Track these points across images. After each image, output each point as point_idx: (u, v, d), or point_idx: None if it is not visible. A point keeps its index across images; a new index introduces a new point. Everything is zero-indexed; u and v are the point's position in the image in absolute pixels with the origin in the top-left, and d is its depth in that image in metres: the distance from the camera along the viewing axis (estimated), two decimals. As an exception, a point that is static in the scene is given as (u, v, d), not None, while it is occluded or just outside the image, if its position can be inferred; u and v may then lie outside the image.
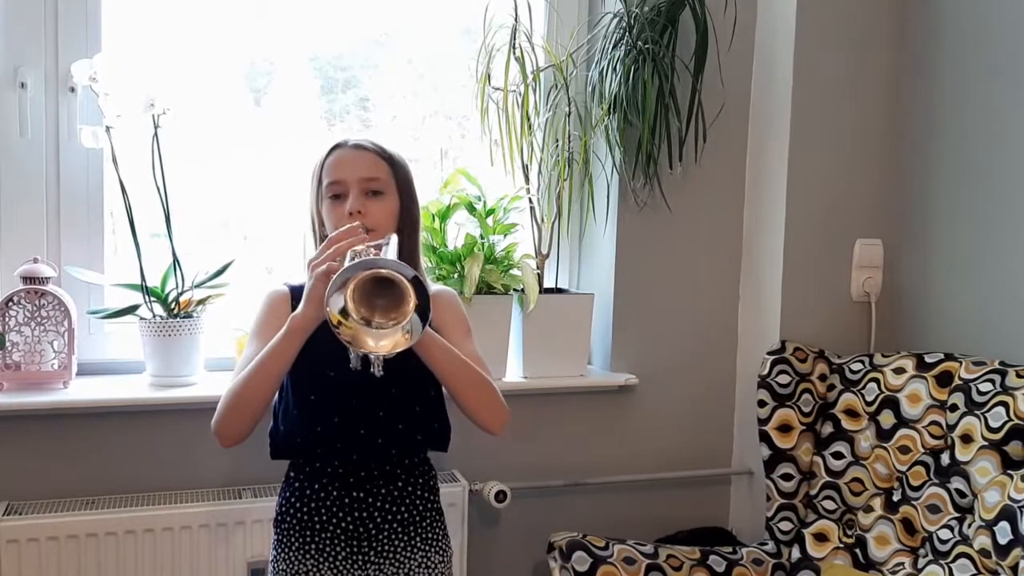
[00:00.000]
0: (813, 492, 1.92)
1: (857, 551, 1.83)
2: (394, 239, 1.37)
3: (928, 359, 1.85)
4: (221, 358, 1.90)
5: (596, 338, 2.13)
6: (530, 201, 2.01)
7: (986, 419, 1.66)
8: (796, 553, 1.90)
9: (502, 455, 1.96)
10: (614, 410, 2.13)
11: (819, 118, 2.08)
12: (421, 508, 1.48)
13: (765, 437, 1.95)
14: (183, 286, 1.79)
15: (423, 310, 1.20)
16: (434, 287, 1.52)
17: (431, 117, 2.26)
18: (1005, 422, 1.63)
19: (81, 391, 1.72)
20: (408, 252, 1.45)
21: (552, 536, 1.81)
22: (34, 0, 1.75)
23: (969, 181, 1.97)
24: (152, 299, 1.77)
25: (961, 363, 1.78)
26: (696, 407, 2.21)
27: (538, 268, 2.01)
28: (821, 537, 1.89)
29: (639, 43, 1.93)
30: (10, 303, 1.70)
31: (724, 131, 2.11)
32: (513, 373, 2.01)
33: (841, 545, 1.86)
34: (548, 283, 2.09)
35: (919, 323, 2.08)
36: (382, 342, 1.21)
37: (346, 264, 1.24)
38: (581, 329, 2.04)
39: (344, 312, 1.20)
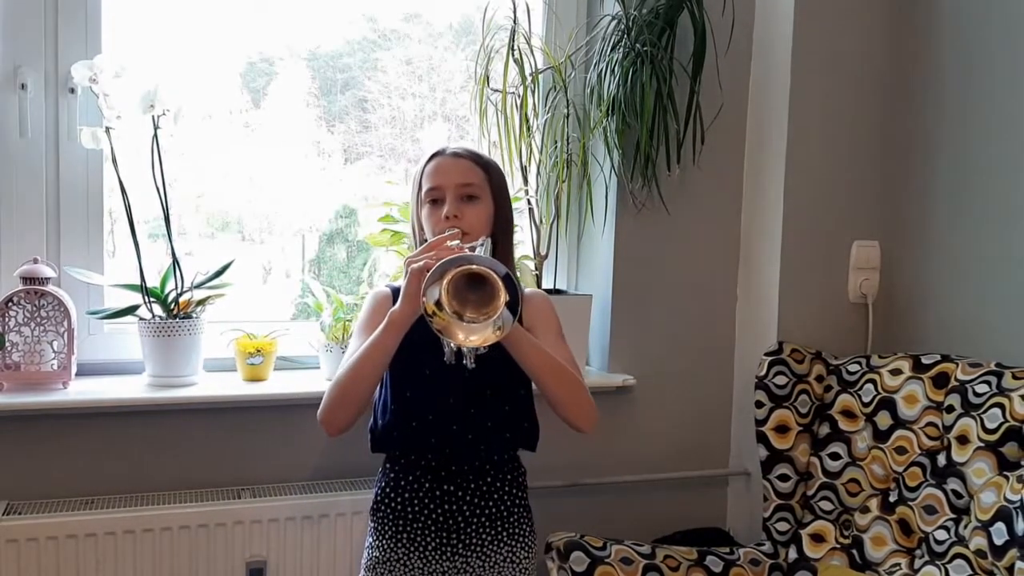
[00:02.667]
0: (810, 493, 1.93)
1: (854, 552, 1.84)
2: (487, 242, 1.45)
3: (925, 360, 1.85)
4: (220, 358, 1.91)
5: (594, 339, 2.14)
6: (529, 202, 2.02)
7: (982, 420, 1.67)
8: (793, 554, 1.91)
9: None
10: (612, 411, 2.13)
11: (817, 120, 2.08)
12: (508, 503, 1.53)
13: (762, 438, 1.95)
14: (182, 287, 1.80)
15: (513, 305, 1.26)
16: (527, 290, 1.59)
17: (430, 118, 2.26)
18: (1001, 423, 1.64)
19: (81, 391, 1.72)
20: (502, 254, 1.53)
21: (550, 536, 1.81)
22: (34, 1, 1.76)
23: (966, 183, 1.97)
24: (151, 299, 1.78)
25: (957, 364, 1.79)
26: (694, 408, 2.22)
27: (537, 269, 2.02)
28: (818, 538, 1.90)
29: (637, 45, 1.93)
30: (10, 303, 1.71)
31: (722, 133, 2.11)
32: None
33: (838, 546, 1.87)
34: (546, 284, 2.09)
35: (916, 324, 2.09)
36: (472, 336, 1.28)
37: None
38: (579, 330, 2.05)
39: (439, 304, 1.27)
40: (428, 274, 1.26)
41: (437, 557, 1.49)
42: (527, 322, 1.49)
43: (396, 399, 1.50)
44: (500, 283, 1.26)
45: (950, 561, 1.65)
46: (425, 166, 1.55)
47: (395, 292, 1.55)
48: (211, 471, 1.82)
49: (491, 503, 1.51)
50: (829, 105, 2.10)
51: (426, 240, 1.53)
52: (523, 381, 1.51)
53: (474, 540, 1.50)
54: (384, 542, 1.51)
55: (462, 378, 1.42)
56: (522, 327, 1.43)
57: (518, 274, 1.94)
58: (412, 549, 1.49)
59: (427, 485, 1.49)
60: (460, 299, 1.28)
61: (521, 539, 1.54)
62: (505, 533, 1.52)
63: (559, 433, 2.07)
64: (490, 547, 1.51)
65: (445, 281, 1.26)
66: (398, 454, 1.52)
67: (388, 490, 1.52)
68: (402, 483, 1.50)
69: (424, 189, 1.54)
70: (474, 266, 1.27)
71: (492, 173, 1.56)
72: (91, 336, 1.87)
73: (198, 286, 1.81)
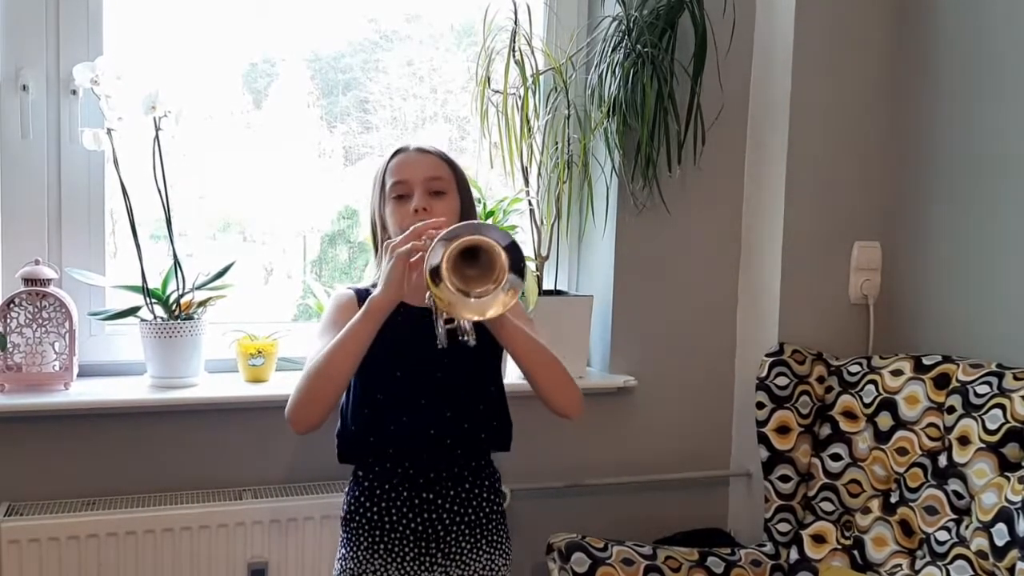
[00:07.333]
0: (811, 493, 1.93)
1: (855, 552, 1.84)
2: None
3: (926, 361, 1.85)
4: (222, 360, 1.91)
5: (595, 340, 2.14)
6: (530, 203, 2.02)
7: (983, 421, 1.67)
8: (794, 554, 1.91)
9: (501, 456, 1.97)
10: (613, 411, 2.13)
11: (817, 121, 2.09)
12: (487, 510, 1.50)
13: (763, 439, 1.95)
14: (184, 288, 1.80)
15: (516, 265, 1.23)
16: None
17: (431, 119, 2.27)
18: (1002, 424, 1.64)
19: (82, 392, 1.73)
20: None
21: (551, 537, 1.82)
22: (36, 3, 1.76)
23: (966, 184, 1.97)
24: (153, 301, 1.78)
25: (958, 365, 1.79)
26: (695, 409, 2.22)
27: (537, 270, 2.02)
28: (819, 538, 1.90)
29: (638, 46, 1.93)
30: (12, 305, 1.71)
31: (723, 134, 2.12)
32: (512, 374, 2.01)
33: (839, 546, 1.87)
34: (547, 285, 2.09)
35: (917, 325, 2.09)
36: (489, 311, 1.24)
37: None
38: (580, 331, 2.05)
39: (437, 274, 1.22)
40: (435, 239, 1.22)
41: (415, 567, 1.45)
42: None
43: (367, 403, 1.45)
44: (496, 245, 1.22)
45: (951, 562, 1.65)
46: (389, 163, 1.52)
47: (359, 294, 1.52)
48: (213, 472, 1.82)
49: (470, 510, 1.47)
50: (829, 105, 2.10)
51: (390, 238, 1.49)
52: (493, 378, 1.48)
53: (453, 549, 1.46)
54: (360, 553, 1.46)
55: (435, 379, 1.40)
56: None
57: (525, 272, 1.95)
58: (389, 560, 1.45)
59: (405, 493, 1.44)
60: (461, 277, 1.24)
61: (499, 546, 1.51)
62: (484, 541, 1.49)
63: (560, 433, 2.08)
64: (469, 556, 1.47)
65: (452, 247, 1.22)
66: (372, 461, 1.47)
67: (363, 499, 1.47)
68: (378, 492, 1.45)
69: (389, 184, 1.50)
70: (481, 236, 1.23)
71: (457, 169, 1.55)
72: (92, 337, 1.87)
73: (199, 287, 1.81)
